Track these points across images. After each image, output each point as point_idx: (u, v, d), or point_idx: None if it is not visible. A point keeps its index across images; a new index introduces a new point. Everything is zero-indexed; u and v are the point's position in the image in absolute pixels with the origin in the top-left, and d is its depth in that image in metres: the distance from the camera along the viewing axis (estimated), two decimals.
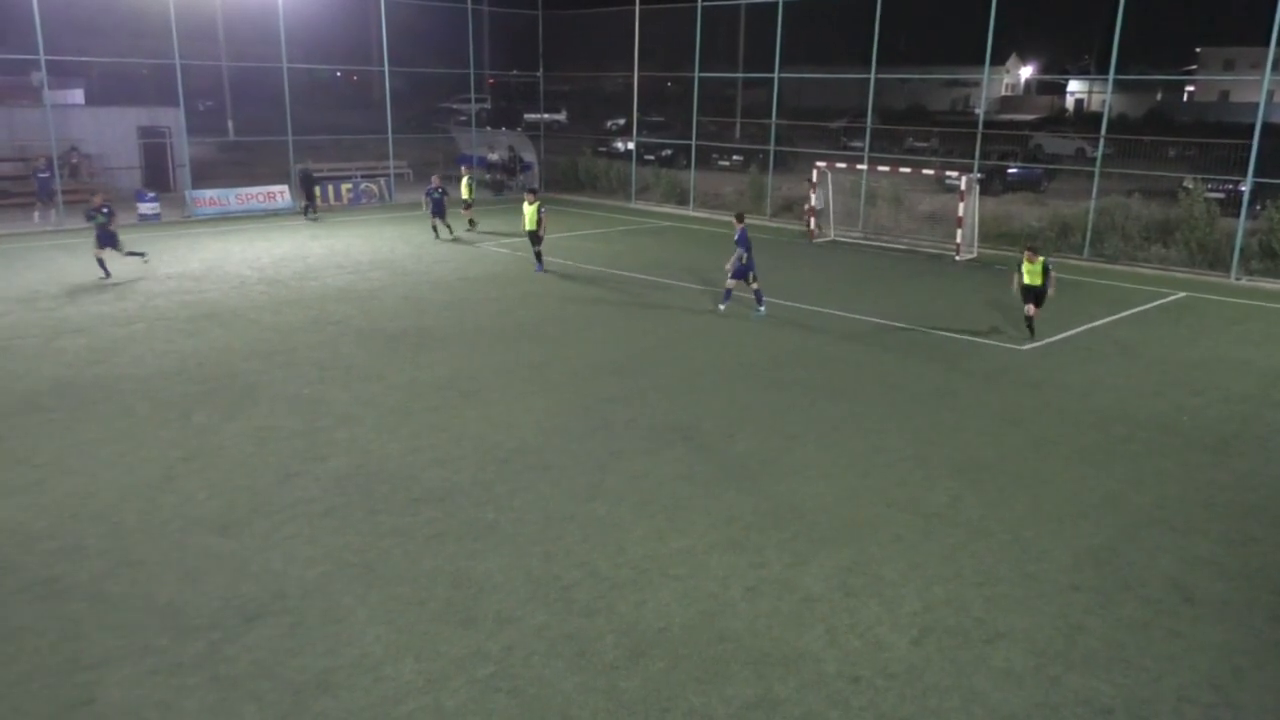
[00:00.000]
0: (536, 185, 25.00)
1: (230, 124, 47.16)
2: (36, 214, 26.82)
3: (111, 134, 32.10)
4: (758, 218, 31.26)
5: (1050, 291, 16.21)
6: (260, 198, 30.48)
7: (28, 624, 7.33)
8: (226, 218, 29.09)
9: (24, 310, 17.11)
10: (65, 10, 31.17)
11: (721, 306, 17.97)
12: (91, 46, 35.85)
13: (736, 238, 17.41)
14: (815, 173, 27.10)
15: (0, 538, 8.68)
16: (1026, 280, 16.18)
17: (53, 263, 21.50)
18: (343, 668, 6.89)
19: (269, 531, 8.95)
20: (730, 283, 17.81)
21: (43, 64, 26.49)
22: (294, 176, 30.74)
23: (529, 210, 21.18)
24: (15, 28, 29.16)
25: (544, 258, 21.71)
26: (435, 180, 26.22)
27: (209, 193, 29.77)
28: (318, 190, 30.95)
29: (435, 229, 25.90)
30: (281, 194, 30.93)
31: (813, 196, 27.74)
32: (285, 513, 9.33)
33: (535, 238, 21.37)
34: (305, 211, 29.66)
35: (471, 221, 27.49)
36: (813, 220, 27.35)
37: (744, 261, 17.37)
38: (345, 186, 31.28)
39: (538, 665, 6.96)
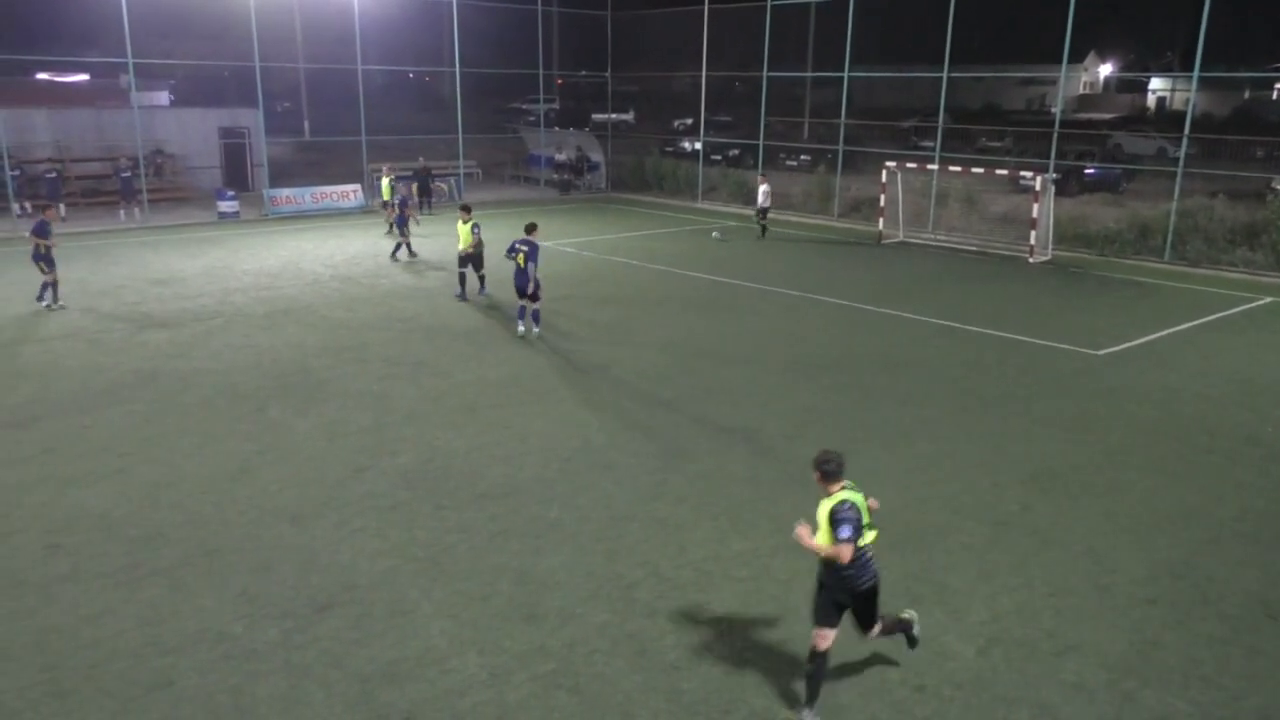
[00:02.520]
0: (469, 202, 20.47)
1: (306, 124, 48.35)
2: (121, 212, 27.80)
3: (194, 134, 33.20)
4: (825, 219, 31.03)
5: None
6: (334, 196, 31.15)
7: (111, 608, 7.61)
8: (302, 216, 29.79)
9: (110, 304, 17.74)
10: (152, 15, 32.21)
11: (519, 328, 16.12)
12: (176, 50, 37.03)
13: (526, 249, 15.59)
14: (885, 173, 26.76)
15: (86, 523, 9.03)
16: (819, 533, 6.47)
17: (138, 259, 22.25)
18: (408, 659, 7.01)
19: (339, 524, 9.15)
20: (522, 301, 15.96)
21: (130, 67, 27.45)
22: (364, 177, 31.32)
23: (463, 229, 18.24)
24: (105, 32, 30.26)
25: (486, 281, 18.93)
26: (403, 190, 24.12)
27: (285, 191, 30.53)
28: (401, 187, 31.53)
29: (399, 249, 22.81)
30: (355, 193, 31.58)
31: (760, 192, 27.13)
32: (354, 506, 9.53)
33: (476, 260, 18.49)
34: (420, 207, 30.19)
35: (393, 226, 24.73)
36: (881, 222, 27.01)
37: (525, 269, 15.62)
38: (415, 185, 31.79)
39: (599, 663, 7.00)
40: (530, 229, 16.00)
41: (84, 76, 44.51)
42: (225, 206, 28.87)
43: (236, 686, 6.67)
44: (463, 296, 18.69)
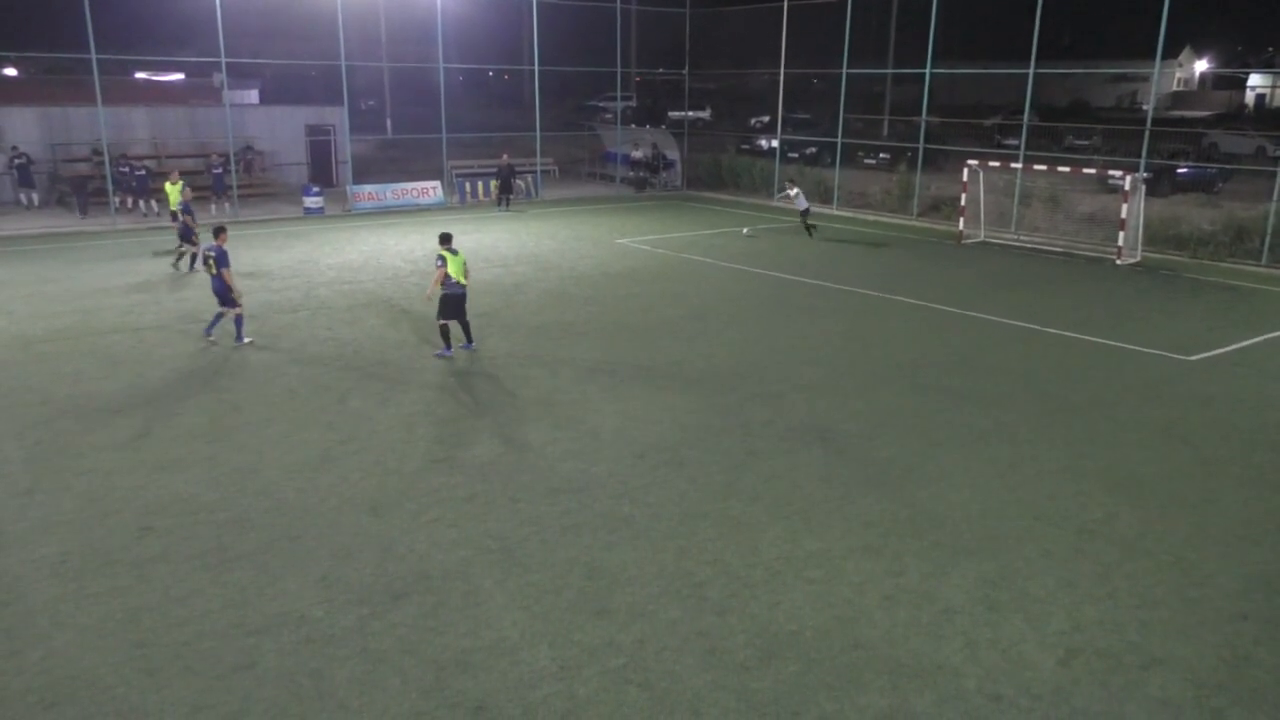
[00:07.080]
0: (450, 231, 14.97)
1: (389, 122, 49.33)
2: (213, 206, 28.72)
3: (282, 132, 34.13)
4: (904, 218, 30.51)
5: None
6: (414, 193, 31.75)
7: (199, 589, 7.88)
8: (383, 212, 30.41)
9: (201, 296, 18.32)
10: (244, 16, 33.26)
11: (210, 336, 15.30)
12: (266, 49, 38.13)
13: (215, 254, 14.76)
14: (966, 171, 26.20)
15: (177, 507, 9.37)
16: None
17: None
18: (481, 649, 7.11)
19: (415, 514, 9.32)
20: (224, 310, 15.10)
21: (223, 66, 28.39)
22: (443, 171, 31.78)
23: (456, 261, 14.14)
24: (200, 33, 31.33)
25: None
26: (187, 195, 20.44)
27: (368, 188, 31.23)
28: (483, 184, 32.08)
29: (186, 258, 20.50)
30: (434, 189, 32.13)
31: (791, 190, 26.66)
32: (430, 497, 9.70)
33: (461, 306, 14.45)
34: (500, 202, 31.22)
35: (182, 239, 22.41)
36: (961, 222, 26.46)
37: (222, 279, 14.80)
38: (494, 183, 32.23)
39: (669, 660, 7.01)
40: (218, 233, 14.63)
41: (179, 76, 46.13)
42: (311, 202, 29.62)
43: (317, 670, 6.84)
44: (448, 352, 14.60)
